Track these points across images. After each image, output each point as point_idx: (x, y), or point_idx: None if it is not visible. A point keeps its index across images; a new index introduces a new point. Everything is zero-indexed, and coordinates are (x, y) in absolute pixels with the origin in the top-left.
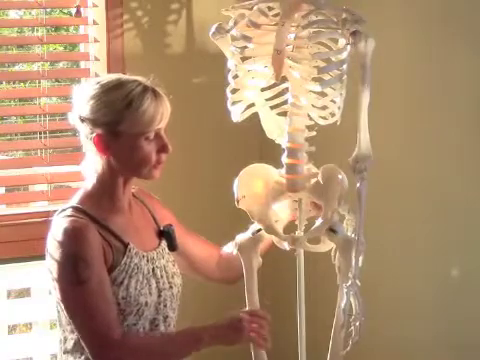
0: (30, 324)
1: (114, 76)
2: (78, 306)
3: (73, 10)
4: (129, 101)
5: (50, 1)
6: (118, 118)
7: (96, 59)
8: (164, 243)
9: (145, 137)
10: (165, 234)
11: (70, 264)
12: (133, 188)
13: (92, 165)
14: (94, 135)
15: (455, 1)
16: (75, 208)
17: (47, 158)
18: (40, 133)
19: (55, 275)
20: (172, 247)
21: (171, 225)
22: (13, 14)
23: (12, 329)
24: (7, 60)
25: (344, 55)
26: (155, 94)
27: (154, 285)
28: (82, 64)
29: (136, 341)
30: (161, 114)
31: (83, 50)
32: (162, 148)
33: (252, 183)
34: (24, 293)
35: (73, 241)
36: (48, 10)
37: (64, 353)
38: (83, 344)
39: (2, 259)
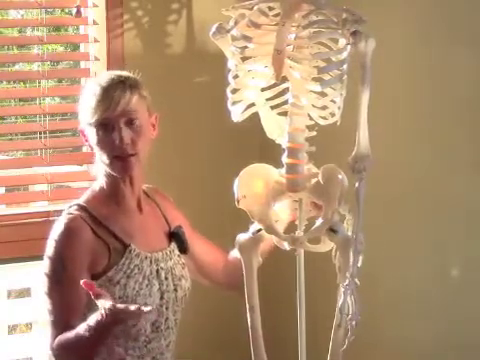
0: (30, 324)
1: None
2: (48, 300)
3: (73, 10)
4: (83, 93)
5: (50, 1)
6: (79, 111)
7: (96, 59)
8: (174, 245)
9: (97, 126)
10: (174, 235)
11: (51, 261)
12: (148, 187)
13: (100, 165)
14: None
15: (455, 1)
16: (79, 206)
17: (47, 158)
18: (40, 133)
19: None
20: (182, 249)
21: (181, 227)
22: (13, 14)
23: (12, 329)
24: (7, 60)
25: (344, 55)
26: (107, 85)
27: (156, 287)
28: (82, 64)
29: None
30: (107, 104)
31: (83, 50)
32: (119, 140)
33: (252, 183)
34: (24, 293)
35: (59, 240)
36: (48, 10)
37: None
38: None
39: (2, 259)
